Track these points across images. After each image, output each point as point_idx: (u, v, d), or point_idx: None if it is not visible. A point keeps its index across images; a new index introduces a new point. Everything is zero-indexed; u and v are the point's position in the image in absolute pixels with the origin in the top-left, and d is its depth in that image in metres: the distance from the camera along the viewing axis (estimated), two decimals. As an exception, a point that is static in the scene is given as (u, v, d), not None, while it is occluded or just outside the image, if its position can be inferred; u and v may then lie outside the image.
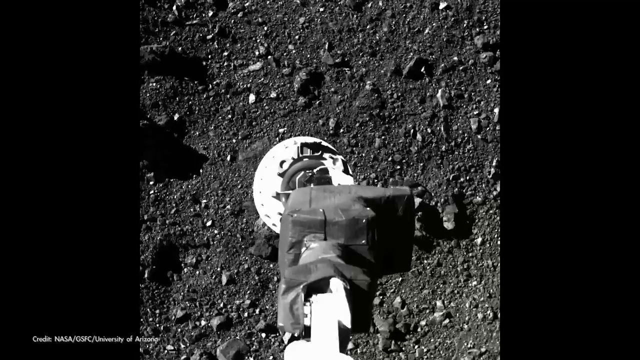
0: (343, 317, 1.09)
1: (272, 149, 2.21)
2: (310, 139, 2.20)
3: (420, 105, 3.54)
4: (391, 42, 3.57)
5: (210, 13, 3.51)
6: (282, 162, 2.09)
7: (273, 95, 3.48)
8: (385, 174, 3.50)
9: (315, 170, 2.04)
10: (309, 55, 3.52)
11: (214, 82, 3.44)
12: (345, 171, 2.09)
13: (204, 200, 3.31)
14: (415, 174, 3.52)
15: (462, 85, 3.49)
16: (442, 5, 3.65)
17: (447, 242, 3.40)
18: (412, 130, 3.53)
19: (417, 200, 3.47)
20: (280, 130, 3.44)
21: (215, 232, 3.33)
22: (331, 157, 2.10)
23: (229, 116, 3.46)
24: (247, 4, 3.61)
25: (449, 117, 3.51)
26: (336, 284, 1.15)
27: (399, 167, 3.44)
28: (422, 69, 3.55)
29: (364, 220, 1.30)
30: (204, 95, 3.38)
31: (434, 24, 3.61)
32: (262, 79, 3.48)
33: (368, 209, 1.35)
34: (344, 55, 3.55)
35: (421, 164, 3.48)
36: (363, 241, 1.30)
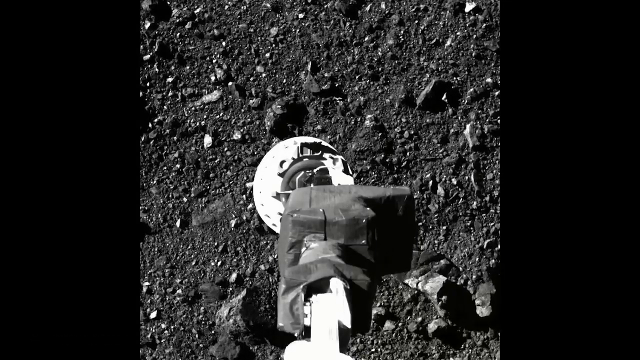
0: (343, 317, 1.16)
1: (272, 149, 2.28)
2: (310, 139, 2.27)
3: (441, 147, 3.12)
4: (399, 60, 3.12)
5: (148, 24, 3.08)
6: (282, 162, 2.18)
7: (237, 136, 3.04)
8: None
9: (315, 170, 2.12)
10: (284, 80, 3.08)
11: (155, 120, 3.06)
12: (345, 171, 2.18)
13: (146, 283, 2.97)
14: (436, 242, 3.08)
15: (498, 117, 3.08)
16: (469, 7, 3.20)
17: (481, 333, 2.97)
18: (430, 182, 3.10)
19: (441, 280, 3.03)
20: (249, 185, 2.97)
21: (163, 326, 2.99)
22: (331, 157, 2.19)
23: (177, 166, 3.05)
24: (197, 11, 3.16)
25: (482, 161, 3.12)
26: (336, 284, 1.22)
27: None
28: (444, 97, 3.11)
29: (364, 220, 1.38)
30: (142, 138, 3.01)
31: (458, 34, 3.19)
32: (221, 114, 3.06)
33: (368, 209, 1.43)
34: (333, 79, 3.09)
35: (444, 228, 3.06)
36: (363, 241, 1.38)
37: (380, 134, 3.08)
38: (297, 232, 1.39)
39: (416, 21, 3.17)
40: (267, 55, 3.13)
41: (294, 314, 1.20)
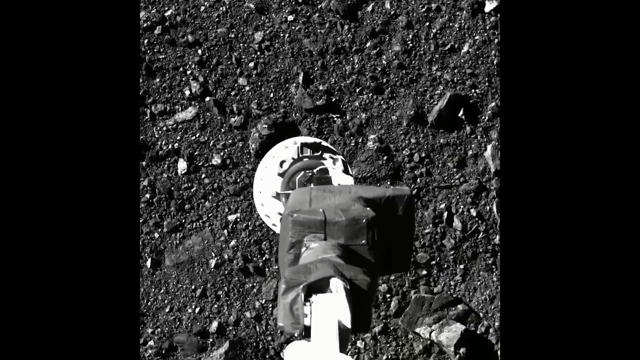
0: (343, 317, 1.19)
1: (272, 149, 2.36)
2: (310, 139, 2.35)
3: (457, 172, 2.96)
4: (407, 70, 2.96)
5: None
6: (282, 162, 2.26)
7: (216, 160, 2.89)
8: (403, 284, 2.92)
9: (315, 170, 2.20)
10: (272, 95, 2.93)
11: (121, 142, 2.88)
12: (345, 171, 2.25)
13: (111, 334, 2.76)
14: (452, 283, 2.92)
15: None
16: (489, 7, 3.00)
17: (505, 389, 2.84)
18: (445, 213, 2.92)
19: (458, 328, 2.82)
20: (231, 218, 2.83)
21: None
22: (331, 157, 2.26)
23: (147, 196, 2.89)
24: (168, 13, 3.00)
25: (505, 188, 2.95)
26: (336, 284, 1.25)
27: (425, 272, 2.87)
28: (460, 113, 2.93)
29: (364, 220, 1.41)
30: (105, 163, 2.82)
31: (476, 38, 3.00)
32: (197, 135, 2.91)
33: (368, 209, 1.47)
34: (329, 92, 2.92)
35: (461, 267, 2.90)
36: (363, 241, 1.41)
37: (385, 158, 2.94)
38: (297, 232, 1.43)
39: (427, 23, 3.00)
40: (251, 65, 2.97)
41: (294, 314, 1.23)
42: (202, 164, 2.89)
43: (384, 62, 3.01)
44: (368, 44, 3.01)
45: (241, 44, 2.99)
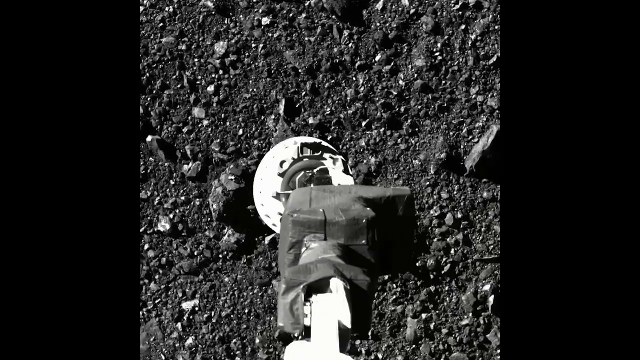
0: (343, 317, 1.28)
1: (272, 149, 2.48)
2: (310, 139, 2.46)
3: None
4: (435, 93, 2.59)
5: None
6: (282, 162, 2.39)
7: (163, 225, 2.58)
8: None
9: (315, 170, 2.35)
10: (240, 132, 2.59)
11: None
12: (345, 171, 2.39)
13: None
14: None
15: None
16: None
17: None
18: (491, 298, 2.51)
19: None
20: (186, 306, 2.53)
21: None
22: (331, 157, 2.39)
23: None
24: None
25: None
26: (336, 284, 1.33)
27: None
28: None
29: (364, 220, 1.50)
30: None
31: None
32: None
33: (368, 209, 1.56)
34: (323, 127, 2.59)
35: None
36: (363, 241, 1.50)
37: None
38: (297, 232, 1.52)
39: (462, 26, 2.58)
40: (210, 89, 2.59)
41: (294, 314, 1.30)
42: (145, 229, 2.58)
43: (401, 82, 2.57)
44: (378, 57, 2.57)
45: (196, 60, 2.60)
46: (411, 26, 2.50)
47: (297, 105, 2.50)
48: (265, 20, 2.52)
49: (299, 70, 2.53)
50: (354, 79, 2.53)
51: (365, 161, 2.47)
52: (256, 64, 2.50)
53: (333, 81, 2.54)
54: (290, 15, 2.48)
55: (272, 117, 2.49)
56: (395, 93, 2.50)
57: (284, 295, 1.34)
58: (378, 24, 2.49)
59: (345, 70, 2.53)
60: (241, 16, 2.51)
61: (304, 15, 2.47)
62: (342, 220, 1.52)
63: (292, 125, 2.45)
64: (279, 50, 2.54)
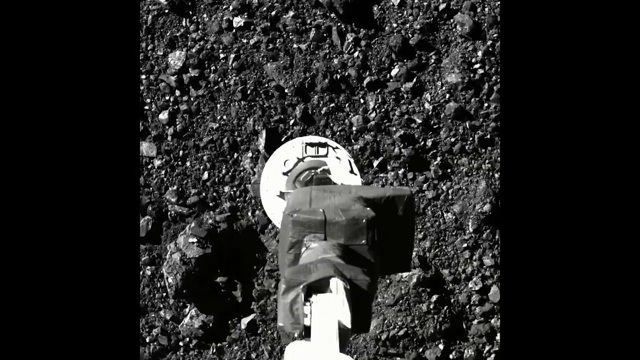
0: (343, 317, 1.26)
1: (279, 148, 2.37)
2: (315, 138, 2.37)
3: None
4: (475, 120, 2.15)
5: None
6: (286, 161, 2.30)
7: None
8: None
9: (318, 170, 2.27)
10: (205, 175, 2.18)
11: None
12: (351, 171, 2.31)
13: None
14: None
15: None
16: None
17: None
18: None
19: None
20: None
21: None
22: (337, 158, 2.31)
23: None
24: None
25: None
26: (336, 284, 1.32)
27: None
28: None
29: (364, 220, 1.50)
30: None
31: None
32: None
33: (368, 209, 1.56)
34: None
35: None
36: (363, 241, 1.50)
37: (437, 300, 2.13)
38: (297, 232, 1.50)
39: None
40: (164, 116, 2.23)
41: (294, 314, 1.28)
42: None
43: (427, 106, 2.12)
44: (395, 71, 2.13)
45: (143, 76, 2.29)
46: (441, 28, 2.10)
47: (283, 139, 2.13)
48: (238, 21, 2.09)
49: (286, 90, 2.15)
50: (362, 101, 2.15)
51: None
52: (226, 81, 2.15)
53: (333, 105, 2.16)
54: (273, 13, 2.05)
55: (249, 154, 2.14)
56: (419, 121, 2.07)
57: (284, 295, 1.32)
58: (395, 25, 2.10)
59: (349, 90, 2.15)
60: (205, 15, 2.08)
61: (291, 13, 2.02)
62: (342, 220, 1.52)
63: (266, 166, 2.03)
64: (257, 63, 2.14)
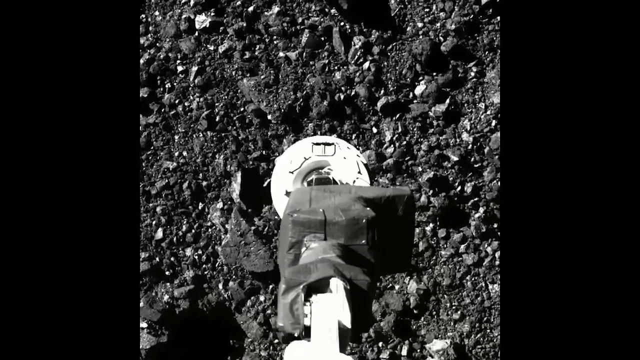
0: (343, 317, 1.24)
1: (288, 148, 2.39)
2: (322, 138, 2.35)
3: None
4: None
5: None
6: (292, 160, 2.27)
7: None
8: None
9: (323, 170, 2.23)
10: (159, 234, 1.81)
11: None
12: (359, 171, 2.23)
13: None
14: None
15: None
16: None
17: None
18: None
19: None
20: None
21: None
22: (344, 157, 2.25)
23: None
24: None
25: None
26: (336, 284, 1.30)
27: None
28: None
29: (364, 220, 1.49)
30: None
31: None
32: None
33: (368, 209, 1.55)
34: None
35: None
36: (363, 241, 1.50)
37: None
38: (297, 232, 1.48)
39: None
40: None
41: (294, 314, 1.26)
42: None
43: (466, 137, 1.73)
44: (420, 89, 1.80)
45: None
46: (484, 29, 1.63)
47: (265, 184, 1.65)
48: (203, 20, 1.67)
49: (269, 116, 1.63)
50: (375, 130, 1.68)
51: (401, 289, 1.70)
52: (186, 104, 1.68)
53: (335, 136, 1.69)
54: (251, 9, 1.64)
55: (219, 205, 1.69)
56: (455, 158, 1.72)
57: (284, 295, 1.27)
58: (420, 25, 1.71)
59: (357, 115, 1.60)
60: (157, 13, 1.66)
61: (276, 9, 1.68)
62: (342, 220, 1.52)
63: (256, 220, 1.61)
64: (229, 78, 1.67)
